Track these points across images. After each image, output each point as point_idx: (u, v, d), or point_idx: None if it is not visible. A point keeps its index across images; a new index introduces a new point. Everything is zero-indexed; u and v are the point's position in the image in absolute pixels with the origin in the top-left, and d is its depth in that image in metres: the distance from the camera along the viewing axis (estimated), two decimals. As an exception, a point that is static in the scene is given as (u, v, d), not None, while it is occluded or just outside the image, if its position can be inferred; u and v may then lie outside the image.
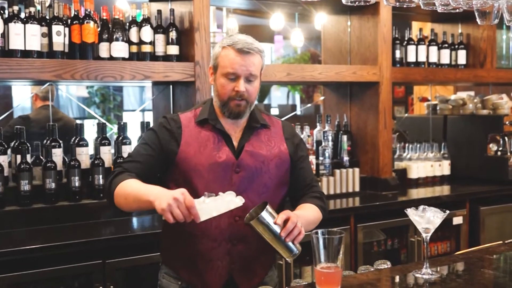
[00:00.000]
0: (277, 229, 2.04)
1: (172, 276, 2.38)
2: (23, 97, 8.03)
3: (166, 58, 3.49)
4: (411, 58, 4.59)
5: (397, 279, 2.09)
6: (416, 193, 4.44)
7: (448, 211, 2.01)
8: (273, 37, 10.32)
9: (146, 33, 3.42)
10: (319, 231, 1.88)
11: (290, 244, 2.07)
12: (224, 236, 2.26)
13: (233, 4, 5.30)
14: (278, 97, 12.64)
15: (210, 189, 2.13)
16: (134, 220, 3.44)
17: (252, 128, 2.36)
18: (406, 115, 5.77)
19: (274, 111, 10.63)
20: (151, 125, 3.65)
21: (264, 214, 2.04)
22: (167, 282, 2.38)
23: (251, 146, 2.33)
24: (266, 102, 11.84)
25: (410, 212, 2.04)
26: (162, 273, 2.43)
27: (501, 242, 2.53)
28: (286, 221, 2.07)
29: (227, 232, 2.26)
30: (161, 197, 1.97)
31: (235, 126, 2.35)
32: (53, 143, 3.36)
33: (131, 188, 2.13)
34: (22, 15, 3.14)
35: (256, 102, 2.40)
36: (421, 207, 2.03)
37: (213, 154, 2.27)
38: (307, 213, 2.29)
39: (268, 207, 2.06)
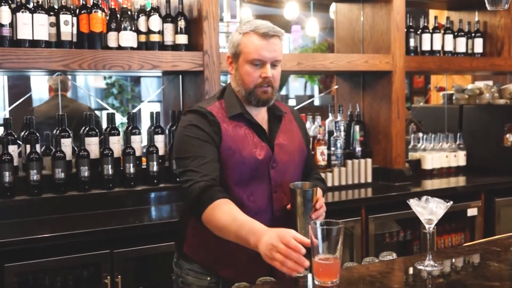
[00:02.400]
0: (310, 210, 2.14)
1: (199, 272, 2.30)
2: (39, 86, 8.06)
3: (175, 47, 3.47)
4: (426, 46, 4.51)
5: (399, 270, 2.05)
6: (430, 184, 4.37)
7: (451, 202, 1.97)
8: (289, 27, 10.24)
9: (155, 22, 3.40)
10: (318, 221, 1.84)
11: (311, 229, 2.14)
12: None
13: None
14: (296, 87, 12.58)
15: (249, 187, 2.17)
16: (144, 210, 3.43)
17: (276, 118, 2.35)
18: (421, 104, 5.68)
19: (292, 102, 10.58)
20: (161, 115, 3.64)
21: (311, 192, 2.14)
22: (194, 279, 2.30)
23: (279, 139, 2.31)
24: (284, 92, 11.80)
25: (413, 203, 2.00)
26: (184, 269, 2.34)
27: (510, 234, 2.48)
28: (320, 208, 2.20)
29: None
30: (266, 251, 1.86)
31: (260, 116, 2.32)
32: (62, 133, 3.36)
33: (229, 224, 2.00)
34: (30, 5, 3.14)
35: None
36: (424, 197, 1.99)
37: (253, 151, 2.22)
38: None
39: (316, 189, 2.18)
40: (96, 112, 8.67)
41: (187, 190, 2.13)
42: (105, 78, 9.58)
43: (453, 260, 2.15)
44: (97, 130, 3.44)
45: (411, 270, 2.01)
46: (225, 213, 2.03)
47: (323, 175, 3.94)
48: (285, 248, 1.79)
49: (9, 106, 4.86)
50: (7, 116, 4.62)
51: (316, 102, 10.45)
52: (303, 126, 2.51)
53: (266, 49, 2.18)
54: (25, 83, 7.05)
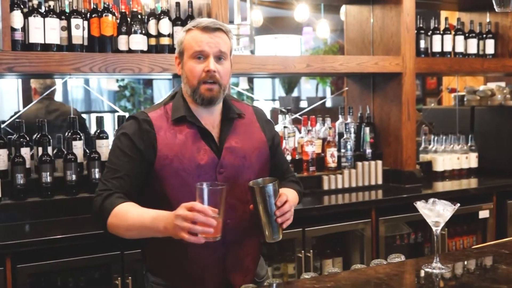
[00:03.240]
0: (274, 206, 2.05)
1: (162, 285, 2.27)
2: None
3: (185, 50, 3.48)
4: (437, 48, 4.49)
5: (406, 273, 2.05)
6: (441, 186, 4.36)
7: (458, 204, 1.97)
8: (301, 29, 10.25)
9: (165, 25, 3.42)
10: (204, 183, 1.92)
11: (277, 226, 2.07)
12: (217, 241, 2.08)
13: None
14: (307, 89, 12.58)
15: (194, 195, 2.04)
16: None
17: (229, 120, 2.24)
18: (432, 106, 5.66)
19: (303, 104, 10.58)
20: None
21: (271, 186, 2.04)
22: None
23: (231, 142, 2.21)
24: (295, 94, 11.80)
25: (419, 205, 2.00)
26: (149, 282, 2.32)
27: (519, 236, 2.47)
28: (284, 204, 2.07)
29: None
30: (168, 225, 1.91)
31: (212, 119, 2.22)
32: (73, 136, 3.39)
33: (132, 219, 2.03)
34: (42, 9, 3.17)
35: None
36: (431, 200, 1.99)
37: (194, 156, 2.13)
38: (293, 200, 2.27)
39: (276, 183, 2.06)
40: (108, 114, 8.78)
41: (92, 201, 2.16)
42: (117, 80, 9.64)
43: (461, 262, 2.15)
44: (108, 133, 3.46)
45: (418, 273, 2.01)
46: (129, 212, 2.04)
47: (333, 177, 3.97)
48: (191, 213, 1.82)
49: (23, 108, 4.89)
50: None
51: (328, 104, 10.43)
52: (270, 127, 2.39)
53: (207, 41, 2.12)
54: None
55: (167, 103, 2.25)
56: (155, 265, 2.30)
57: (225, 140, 2.20)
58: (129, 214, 2.03)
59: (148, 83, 10.34)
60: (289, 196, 2.14)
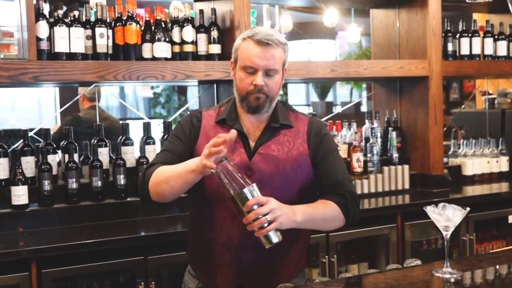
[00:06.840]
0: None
1: (192, 275, 2.39)
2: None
3: (209, 57, 3.53)
4: (465, 51, 4.43)
5: (416, 278, 2.03)
6: (470, 190, 4.29)
7: (468, 209, 1.94)
8: (334, 33, 10.20)
9: (188, 33, 3.47)
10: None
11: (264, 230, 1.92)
12: (233, 241, 2.19)
13: (283, 2, 5.29)
14: (343, 94, 12.51)
15: (218, 192, 2.12)
16: (178, 218, 3.47)
17: (271, 128, 2.25)
18: (463, 107, 5.57)
19: (338, 108, 10.53)
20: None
21: (246, 191, 1.92)
22: (188, 280, 2.41)
23: (267, 148, 2.21)
24: (330, 99, 11.75)
25: (429, 210, 1.98)
26: (186, 270, 2.46)
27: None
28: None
29: (236, 238, 2.18)
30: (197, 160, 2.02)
31: (256, 124, 2.25)
32: (99, 143, 3.46)
33: (169, 171, 2.12)
34: (67, 19, 3.25)
35: (280, 98, 2.32)
36: (441, 204, 1.97)
37: (227, 155, 2.12)
38: (313, 209, 2.10)
39: (249, 188, 1.93)
40: (128, 121, 8.86)
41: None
42: (152, 87, 9.76)
43: (473, 267, 2.12)
44: (133, 140, 3.52)
45: (428, 278, 1.99)
46: (166, 168, 2.15)
47: (359, 182, 3.94)
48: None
49: (61, 120, 5.03)
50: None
51: (364, 109, 10.36)
52: (318, 139, 2.29)
53: (259, 56, 2.13)
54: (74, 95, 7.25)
55: (222, 105, 2.35)
56: (190, 256, 2.43)
57: (260, 146, 2.21)
58: (166, 169, 2.14)
59: (183, 90, 10.43)
60: (302, 206, 2.08)
